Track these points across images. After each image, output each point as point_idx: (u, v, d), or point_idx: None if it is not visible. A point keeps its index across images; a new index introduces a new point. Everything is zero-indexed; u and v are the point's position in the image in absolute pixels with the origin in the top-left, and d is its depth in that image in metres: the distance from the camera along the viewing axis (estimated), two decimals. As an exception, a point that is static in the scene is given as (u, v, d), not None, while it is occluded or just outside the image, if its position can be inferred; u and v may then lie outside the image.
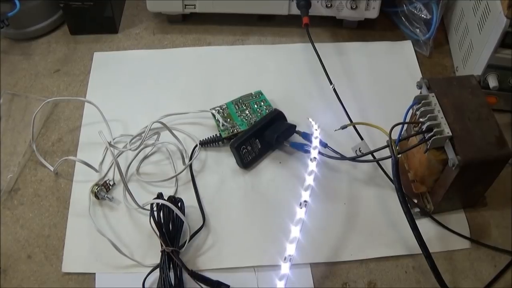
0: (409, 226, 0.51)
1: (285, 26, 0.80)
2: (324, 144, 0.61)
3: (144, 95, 0.71)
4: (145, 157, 0.65)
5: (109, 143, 0.61)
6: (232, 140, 0.63)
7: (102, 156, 0.64)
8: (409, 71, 0.74)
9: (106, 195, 0.60)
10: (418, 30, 0.77)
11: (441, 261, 0.57)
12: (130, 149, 0.62)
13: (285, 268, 0.50)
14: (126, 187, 0.57)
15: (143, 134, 0.62)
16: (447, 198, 0.56)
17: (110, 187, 0.61)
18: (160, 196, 0.57)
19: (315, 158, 0.58)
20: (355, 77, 0.73)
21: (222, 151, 0.65)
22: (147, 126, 0.62)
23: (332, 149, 0.62)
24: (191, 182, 0.62)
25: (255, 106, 0.68)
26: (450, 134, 0.51)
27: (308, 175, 0.56)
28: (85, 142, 0.66)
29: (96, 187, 0.60)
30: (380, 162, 0.62)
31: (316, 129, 0.62)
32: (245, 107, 0.68)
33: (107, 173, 0.63)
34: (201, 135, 0.66)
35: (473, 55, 0.67)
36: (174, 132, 0.64)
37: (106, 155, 0.64)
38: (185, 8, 0.77)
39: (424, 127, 0.52)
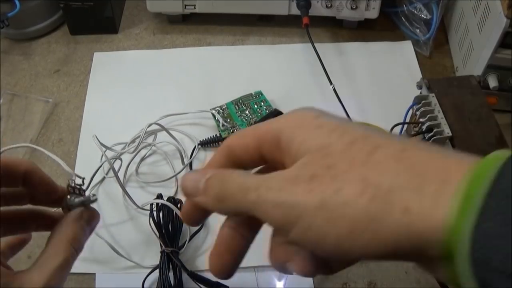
0: (409, 226, 0.50)
1: (285, 26, 0.80)
2: (324, 144, 0.61)
3: (144, 95, 0.71)
4: (145, 158, 0.65)
5: (106, 146, 0.60)
6: (232, 140, 0.62)
7: (101, 158, 0.64)
8: (409, 71, 0.74)
9: (82, 199, 0.37)
10: (418, 30, 0.76)
11: (441, 261, 0.57)
12: (127, 151, 0.62)
13: (285, 268, 0.50)
14: (124, 190, 0.57)
15: (141, 135, 0.62)
16: (447, 198, 0.56)
17: (82, 186, 0.39)
18: (159, 196, 0.57)
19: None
20: (355, 77, 0.73)
21: (222, 151, 0.65)
22: (142, 129, 0.61)
23: (332, 149, 0.62)
24: (191, 182, 0.62)
25: (255, 106, 0.68)
26: (450, 134, 0.51)
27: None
28: (85, 142, 0.66)
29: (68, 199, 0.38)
30: (380, 162, 0.62)
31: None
32: (245, 107, 0.68)
33: (107, 173, 0.63)
34: (201, 135, 0.66)
35: (473, 55, 0.67)
36: (174, 132, 0.64)
37: (104, 157, 0.64)
38: (185, 8, 0.77)
39: (424, 127, 0.52)
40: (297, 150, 0.27)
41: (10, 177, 0.34)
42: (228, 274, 0.29)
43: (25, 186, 0.35)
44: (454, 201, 0.22)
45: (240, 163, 0.30)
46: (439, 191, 0.23)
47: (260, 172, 0.31)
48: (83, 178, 0.39)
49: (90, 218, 0.37)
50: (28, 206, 0.38)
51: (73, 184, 0.38)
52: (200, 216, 0.32)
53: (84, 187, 0.39)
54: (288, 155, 0.27)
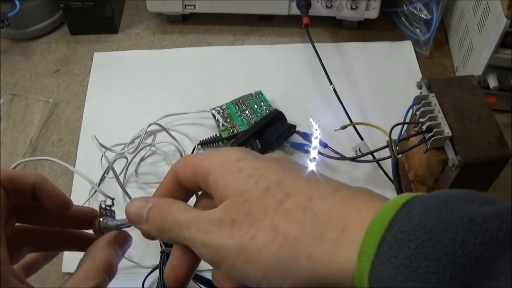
0: (409, 227, 0.50)
1: (285, 26, 0.80)
2: (324, 144, 0.61)
3: (144, 95, 0.71)
4: (144, 158, 0.65)
5: (106, 147, 0.60)
6: (232, 141, 0.63)
7: (100, 158, 0.64)
8: (409, 71, 0.74)
9: (118, 222, 0.37)
10: (418, 30, 0.76)
11: (441, 261, 0.56)
12: (127, 152, 0.62)
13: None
14: (124, 190, 0.57)
15: (141, 135, 0.62)
16: (447, 198, 0.56)
17: (112, 207, 0.40)
18: (160, 196, 0.56)
19: (314, 158, 0.58)
20: (355, 77, 0.73)
21: (222, 151, 0.65)
22: (142, 129, 0.61)
23: (332, 149, 0.62)
24: (191, 182, 0.62)
25: (255, 106, 0.68)
26: (450, 134, 0.51)
27: (308, 175, 0.56)
28: (85, 142, 0.66)
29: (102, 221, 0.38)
30: (380, 162, 0.62)
31: (316, 129, 0.62)
32: (245, 107, 0.68)
33: (109, 174, 0.63)
34: (201, 136, 0.66)
35: (473, 55, 0.67)
36: (174, 132, 0.64)
37: (104, 158, 0.64)
38: (185, 8, 0.77)
39: (424, 127, 0.52)
40: (221, 192, 0.29)
41: (18, 191, 0.32)
42: (182, 286, 0.32)
43: (35, 200, 0.34)
44: (352, 249, 0.25)
45: (185, 186, 0.33)
46: (339, 239, 0.26)
47: (203, 194, 0.34)
48: (113, 199, 0.40)
49: (123, 242, 0.36)
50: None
51: (104, 206, 0.38)
52: None
53: (114, 208, 0.38)
54: (214, 194, 0.30)
